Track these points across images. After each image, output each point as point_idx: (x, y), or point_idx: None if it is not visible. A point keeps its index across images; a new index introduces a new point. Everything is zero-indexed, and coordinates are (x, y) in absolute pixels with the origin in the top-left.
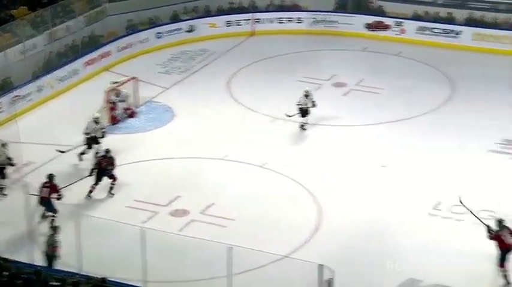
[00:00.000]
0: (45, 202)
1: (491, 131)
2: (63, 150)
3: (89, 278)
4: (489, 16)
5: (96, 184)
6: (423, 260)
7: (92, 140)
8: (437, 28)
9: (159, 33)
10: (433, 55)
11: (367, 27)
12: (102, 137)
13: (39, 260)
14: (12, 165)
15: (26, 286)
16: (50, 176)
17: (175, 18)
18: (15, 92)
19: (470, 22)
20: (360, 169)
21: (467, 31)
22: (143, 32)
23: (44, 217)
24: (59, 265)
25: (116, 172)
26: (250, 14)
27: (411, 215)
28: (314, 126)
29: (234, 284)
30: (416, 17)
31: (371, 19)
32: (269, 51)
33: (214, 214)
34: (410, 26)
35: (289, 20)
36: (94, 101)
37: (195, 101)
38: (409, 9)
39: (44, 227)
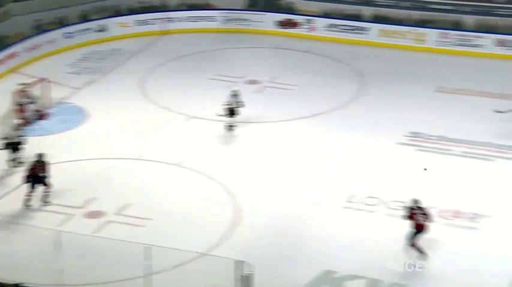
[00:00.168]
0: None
1: (399, 124)
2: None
3: (0, 285)
4: (394, 13)
5: (31, 191)
6: (338, 252)
7: (11, 145)
8: (346, 25)
9: (68, 33)
10: (343, 51)
11: (278, 25)
12: (19, 143)
13: None
14: None
15: None
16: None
17: (84, 18)
18: None
19: (377, 19)
20: (277, 165)
21: (374, 28)
22: (51, 32)
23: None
24: None
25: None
26: (162, 13)
27: (326, 208)
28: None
29: (153, 284)
30: (325, 15)
31: (281, 17)
32: (182, 50)
33: (131, 214)
34: (320, 23)
35: (201, 18)
36: (1, 104)
37: (108, 101)
38: (318, 6)
39: None
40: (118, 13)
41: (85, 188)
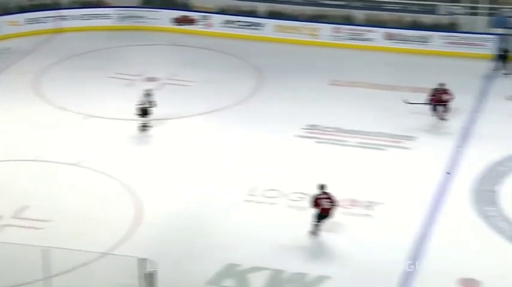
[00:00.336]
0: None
1: (297, 117)
2: None
3: None
4: (288, 9)
5: None
6: (241, 245)
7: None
8: (242, 21)
9: None
10: (240, 47)
11: (174, 22)
12: None
13: None
14: None
15: None
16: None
17: None
18: None
19: (272, 15)
20: (177, 162)
21: (270, 23)
22: None
23: None
24: None
25: None
26: (54, 11)
27: (228, 203)
28: (130, 122)
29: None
30: (221, 11)
31: (177, 14)
32: (77, 49)
33: (29, 217)
34: (216, 19)
35: (95, 16)
36: None
37: (1, 102)
38: (214, 3)
39: None
40: (7, 11)
41: None
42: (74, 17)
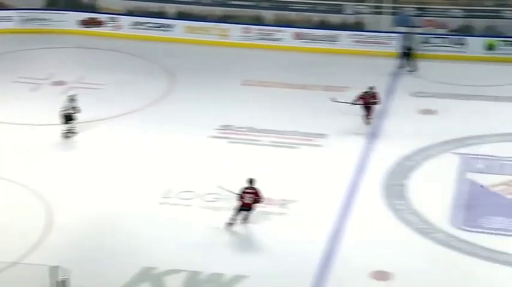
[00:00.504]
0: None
1: (210, 118)
2: None
3: None
4: (197, 10)
5: None
6: (156, 248)
7: None
8: (151, 23)
9: None
10: (150, 49)
11: (81, 24)
12: None
13: None
14: None
15: None
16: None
17: None
18: None
19: (181, 16)
20: (90, 166)
21: (179, 24)
22: None
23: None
24: None
25: None
26: None
27: (142, 206)
28: (34, 127)
29: None
30: (129, 13)
31: (84, 16)
32: None
33: None
34: (125, 21)
35: None
36: None
37: None
38: (121, 5)
39: None
40: None
41: None
42: None
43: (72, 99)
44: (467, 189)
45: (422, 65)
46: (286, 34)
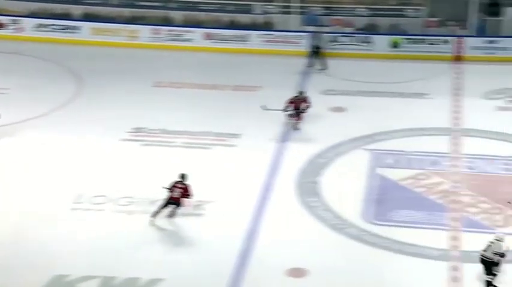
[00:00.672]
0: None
1: (121, 121)
2: None
3: None
4: (104, 11)
5: None
6: (69, 255)
7: None
8: (56, 24)
9: None
10: (56, 51)
11: None
12: None
13: None
14: None
15: None
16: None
17: None
18: None
19: (87, 17)
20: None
21: (85, 26)
22: None
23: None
24: None
25: None
26: None
27: (54, 212)
28: None
29: None
30: (32, 14)
31: None
32: None
33: None
34: (28, 23)
35: None
36: None
37: None
38: (24, 6)
39: None
40: None
41: None
42: None
43: None
44: (377, 184)
45: (331, 63)
46: (196, 35)
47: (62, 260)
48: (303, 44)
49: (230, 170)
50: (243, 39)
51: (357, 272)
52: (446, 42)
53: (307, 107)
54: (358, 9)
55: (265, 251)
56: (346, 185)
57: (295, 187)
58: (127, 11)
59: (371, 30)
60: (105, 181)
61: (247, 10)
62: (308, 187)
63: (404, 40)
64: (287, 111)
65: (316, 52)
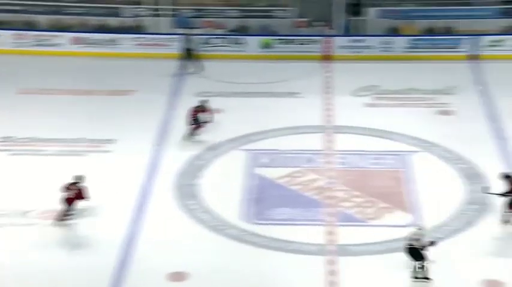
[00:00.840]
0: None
1: None
2: None
3: None
4: None
5: None
6: None
7: None
8: None
9: None
10: None
11: None
12: None
13: None
14: None
15: None
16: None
17: None
18: None
19: None
20: None
21: None
22: None
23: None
24: None
25: None
26: None
27: None
28: None
29: None
30: None
31: None
32: None
33: None
34: None
35: None
36: None
37: None
38: None
39: None
40: None
41: None
42: None
43: None
44: (255, 183)
45: (205, 65)
46: (64, 39)
47: None
48: (175, 46)
49: (107, 176)
50: (113, 43)
51: (238, 272)
52: (315, 42)
53: (209, 117)
54: (229, 11)
55: (145, 255)
56: (225, 186)
57: (174, 189)
58: None
59: (242, 31)
60: None
61: (116, 13)
62: (187, 189)
63: (275, 41)
64: (195, 124)
65: (188, 54)
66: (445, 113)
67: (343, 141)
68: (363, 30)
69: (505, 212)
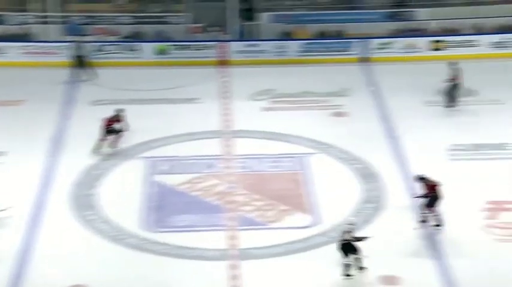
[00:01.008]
0: None
1: None
2: None
3: None
4: None
5: None
6: None
7: None
8: None
9: None
10: None
11: None
12: None
13: None
14: None
15: None
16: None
17: None
18: None
19: None
20: None
21: None
22: None
23: None
24: None
25: None
26: None
27: None
28: None
29: None
30: None
31: None
32: None
33: None
34: None
35: None
36: None
37: None
38: None
39: None
40: None
41: None
42: None
43: None
44: (155, 191)
45: (99, 73)
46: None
47: None
48: (65, 54)
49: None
50: None
51: (140, 282)
52: (210, 47)
53: (125, 126)
54: (122, 17)
55: (42, 269)
56: (124, 195)
57: (70, 201)
58: None
59: (137, 38)
60: None
61: (0, 21)
62: (84, 200)
63: (171, 47)
64: (109, 133)
65: (80, 62)
66: (339, 114)
67: (242, 146)
68: (257, 35)
69: (422, 212)
